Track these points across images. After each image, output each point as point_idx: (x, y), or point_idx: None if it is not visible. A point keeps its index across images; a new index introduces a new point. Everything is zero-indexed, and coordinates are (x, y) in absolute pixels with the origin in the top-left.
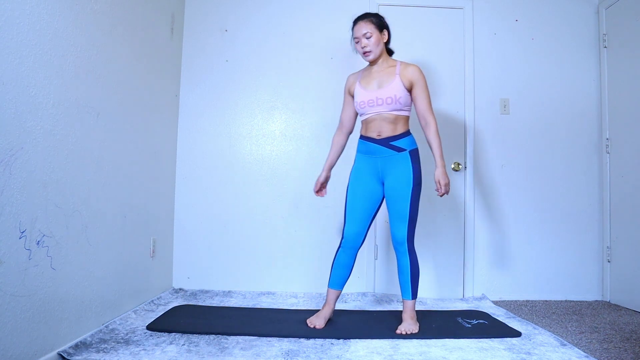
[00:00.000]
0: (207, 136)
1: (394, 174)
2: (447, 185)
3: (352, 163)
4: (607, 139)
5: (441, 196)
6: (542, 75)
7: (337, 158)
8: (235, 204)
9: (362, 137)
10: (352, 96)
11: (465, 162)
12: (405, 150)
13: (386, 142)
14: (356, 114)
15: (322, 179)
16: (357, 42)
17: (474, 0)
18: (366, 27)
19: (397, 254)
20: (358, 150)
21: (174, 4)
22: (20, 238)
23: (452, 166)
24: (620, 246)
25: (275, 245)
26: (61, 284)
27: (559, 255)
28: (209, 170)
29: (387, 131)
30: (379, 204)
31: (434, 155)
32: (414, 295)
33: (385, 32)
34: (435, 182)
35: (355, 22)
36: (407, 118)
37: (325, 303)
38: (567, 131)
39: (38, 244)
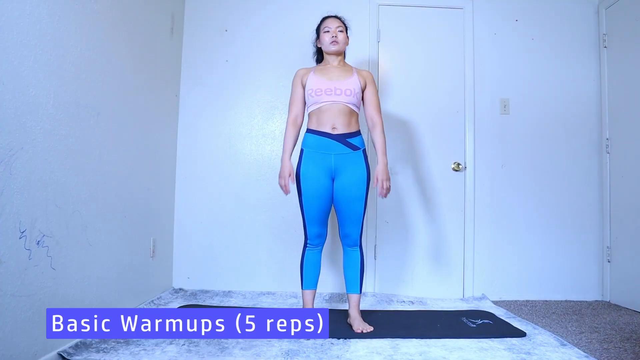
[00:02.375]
0: (207, 136)
1: (349, 173)
2: (388, 181)
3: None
4: (607, 139)
5: (384, 196)
6: (542, 75)
7: (293, 150)
8: (235, 204)
9: (312, 131)
10: (304, 87)
11: (465, 162)
12: (359, 149)
13: (342, 138)
14: (305, 108)
15: (292, 169)
16: (326, 32)
17: (474, 0)
18: (340, 23)
19: (347, 249)
20: (306, 145)
21: (174, 4)
22: (20, 238)
23: (452, 166)
24: (620, 246)
25: (275, 245)
26: (61, 284)
27: (559, 255)
28: (209, 170)
29: (342, 125)
30: (332, 200)
31: (378, 154)
32: (361, 290)
33: (348, 38)
34: (375, 178)
35: (329, 17)
36: (358, 116)
37: (303, 305)
38: (567, 131)
39: (38, 244)
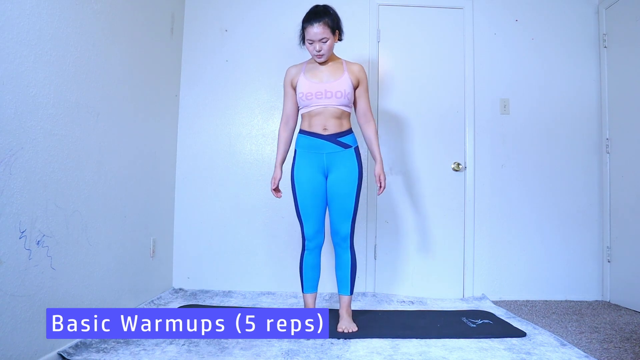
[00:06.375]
0: (207, 136)
1: (340, 170)
2: (385, 181)
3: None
4: (607, 139)
5: (379, 194)
6: (543, 75)
7: (286, 155)
8: (235, 204)
9: (304, 132)
10: (294, 89)
11: (465, 162)
12: (351, 147)
13: (333, 137)
14: (298, 108)
15: (280, 176)
16: (310, 44)
17: (474, 0)
18: (323, 32)
19: (337, 250)
20: (299, 146)
21: (174, 4)
22: (20, 238)
23: (452, 166)
24: (620, 246)
25: (275, 245)
26: (61, 284)
27: (559, 255)
28: (209, 170)
29: (333, 126)
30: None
31: (374, 152)
32: (352, 291)
33: (337, 32)
34: (376, 177)
35: (311, 22)
36: (349, 115)
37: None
38: (567, 131)
39: (38, 244)
